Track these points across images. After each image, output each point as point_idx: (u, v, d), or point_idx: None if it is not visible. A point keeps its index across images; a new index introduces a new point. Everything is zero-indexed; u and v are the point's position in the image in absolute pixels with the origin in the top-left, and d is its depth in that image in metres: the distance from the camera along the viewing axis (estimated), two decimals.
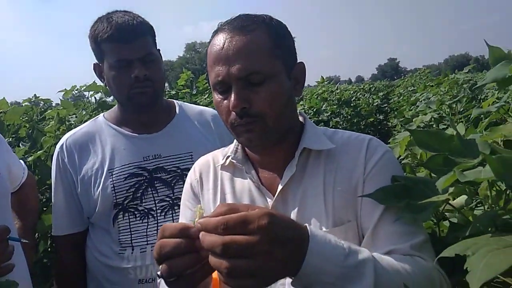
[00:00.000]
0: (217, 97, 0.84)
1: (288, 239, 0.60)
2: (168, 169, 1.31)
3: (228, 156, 0.93)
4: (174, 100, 1.47)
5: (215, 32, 0.85)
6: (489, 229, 0.65)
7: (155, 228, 1.28)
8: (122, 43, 1.23)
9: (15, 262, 0.98)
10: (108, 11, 1.30)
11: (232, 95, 0.79)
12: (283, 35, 0.86)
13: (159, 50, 1.34)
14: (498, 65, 0.71)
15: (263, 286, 0.60)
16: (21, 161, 1.42)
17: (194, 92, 4.63)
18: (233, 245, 0.56)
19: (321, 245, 0.62)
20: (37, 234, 1.77)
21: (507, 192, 0.74)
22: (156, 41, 1.34)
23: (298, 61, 0.89)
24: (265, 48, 0.81)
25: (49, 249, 1.88)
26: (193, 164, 1.03)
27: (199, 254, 0.63)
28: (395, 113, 6.29)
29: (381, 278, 0.64)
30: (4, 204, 1.13)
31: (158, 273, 0.65)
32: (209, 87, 4.72)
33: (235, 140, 0.94)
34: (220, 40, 0.81)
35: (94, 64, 1.33)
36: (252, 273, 0.57)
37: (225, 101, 0.82)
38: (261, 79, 0.79)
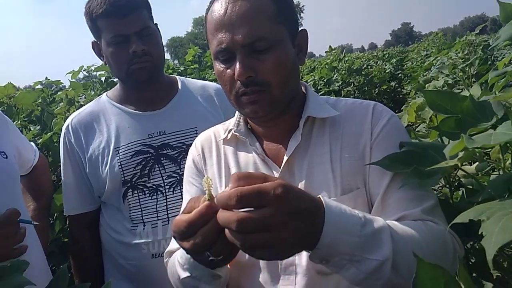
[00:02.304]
0: (219, 66, 0.81)
1: (304, 209, 0.58)
2: (174, 145, 1.30)
3: (230, 130, 0.91)
4: (176, 76, 1.45)
5: None
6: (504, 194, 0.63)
7: (164, 204, 1.28)
8: (118, 18, 1.20)
9: (28, 244, 0.99)
10: None
11: (237, 64, 0.76)
12: (286, 0, 0.82)
13: (156, 24, 1.31)
14: (511, 21, 0.66)
15: (281, 258, 0.59)
16: (32, 143, 1.43)
17: (203, 68, 4.60)
18: (248, 221, 0.55)
19: (337, 215, 0.61)
20: (55, 213, 1.81)
21: None
22: (153, 15, 1.31)
23: (301, 29, 0.86)
24: (269, 13, 0.77)
25: (67, 228, 1.93)
26: None
27: None
28: (409, 79, 6.15)
29: (398, 245, 0.63)
30: (14, 187, 1.14)
31: (211, 258, 0.62)
32: None
33: (236, 113, 0.93)
34: (222, 5, 0.77)
35: (92, 42, 1.32)
36: (269, 246, 0.56)
37: (229, 70, 0.79)
38: (267, 46, 0.76)
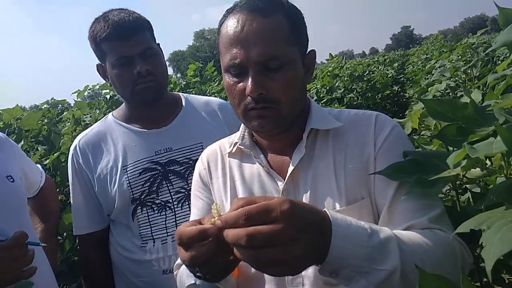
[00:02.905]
0: (229, 79, 0.82)
1: (311, 222, 0.59)
2: (181, 161, 1.32)
3: (236, 143, 0.93)
4: (180, 93, 1.47)
5: (231, 11, 0.82)
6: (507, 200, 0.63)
7: (173, 220, 1.29)
8: (121, 41, 1.23)
9: (37, 265, 1.01)
10: (104, 11, 1.30)
11: (249, 80, 0.78)
12: (300, 22, 0.84)
13: (158, 44, 1.34)
14: (508, 27, 0.67)
15: (293, 273, 0.60)
16: (38, 165, 1.45)
17: (204, 81, 4.65)
18: (257, 235, 0.55)
19: (343, 227, 0.62)
20: (64, 233, 1.82)
21: None
22: (155, 35, 1.34)
23: (309, 49, 0.88)
24: (284, 33, 0.79)
25: (77, 247, 1.94)
26: None
27: (229, 247, 0.61)
28: (411, 83, 6.16)
29: (405, 254, 0.63)
30: (21, 210, 1.15)
31: (198, 274, 0.65)
32: (216, 74, 4.74)
33: (241, 126, 0.94)
34: (239, 21, 0.79)
35: (97, 65, 1.34)
36: (280, 261, 0.56)
37: (240, 84, 0.80)
38: (279, 65, 0.78)
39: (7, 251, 0.94)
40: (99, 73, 1.35)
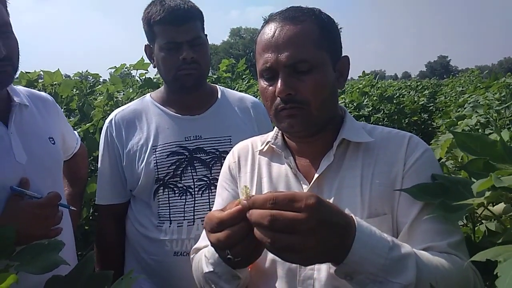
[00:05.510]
0: (263, 83, 0.88)
1: (334, 223, 0.62)
2: (207, 150, 1.36)
3: (268, 142, 0.96)
4: (217, 85, 1.52)
5: (266, 22, 0.88)
6: None
7: (192, 205, 1.34)
8: (173, 26, 1.29)
9: (62, 226, 1.06)
10: None
11: (279, 82, 0.83)
12: (331, 28, 0.88)
13: (206, 35, 1.39)
14: None
15: (305, 263, 0.63)
16: (75, 132, 1.52)
17: (235, 78, 4.71)
18: (280, 218, 0.59)
19: (367, 235, 0.65)
20: (84, 201, 1.89)
21: None
22: (204, 26, 1.39)
23: (343, 55, 0.91)
24: (313, 38, 0.84)
25: (91, 217, 2.01)
26: (231, 147, 1.08)
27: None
28: (441, 113, 6.09)
29: (422, 273, 0.66)
30: (57, 172, 1.21)
31: (229, 256, 0.68)
32: (247, 73, 4.79)
33: (275, 128, 0.98)
34: (271, 29, 0.85)
35: (145, 45, 1.40)
36: (294, 249, 0.60)
37: (271, 87, 0.85)
38: (308, 68, 0.82)
39: (41, 209, 0.99)
40: (146, 54, 1.41)
